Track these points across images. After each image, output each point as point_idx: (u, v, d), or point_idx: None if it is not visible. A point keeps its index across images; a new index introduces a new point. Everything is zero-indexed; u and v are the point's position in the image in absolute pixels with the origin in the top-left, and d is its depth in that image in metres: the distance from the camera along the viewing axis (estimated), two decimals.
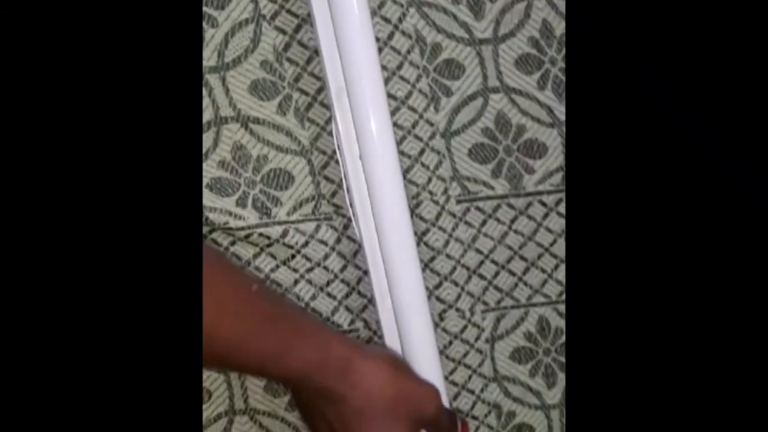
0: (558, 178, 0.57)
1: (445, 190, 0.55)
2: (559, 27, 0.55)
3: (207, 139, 0.51)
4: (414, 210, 0.54)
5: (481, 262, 0.56)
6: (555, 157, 0.56)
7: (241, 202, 0.52)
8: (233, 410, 0.54)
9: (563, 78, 0.56)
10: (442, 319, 0.56)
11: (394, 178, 0.52)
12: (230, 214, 0.52)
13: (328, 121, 0.53)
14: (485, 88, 0.55)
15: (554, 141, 0.56)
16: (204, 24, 0.50)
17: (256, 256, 0.53)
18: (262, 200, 0.53)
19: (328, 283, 0.54)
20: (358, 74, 0.50)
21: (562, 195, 0.57)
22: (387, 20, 0.53)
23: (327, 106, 0.52)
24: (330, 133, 0.53)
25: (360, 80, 0.50)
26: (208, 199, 0.51)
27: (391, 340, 0.54)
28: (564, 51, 0.55)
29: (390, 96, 0.53)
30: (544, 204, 0.57)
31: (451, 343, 0.57)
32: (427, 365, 0.52)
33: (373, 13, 0.52)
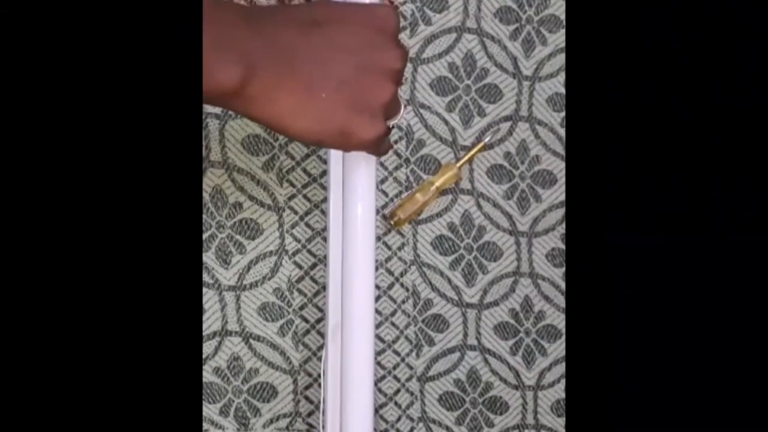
0: None
1: (411, 430, 0.60)
2: (539, 304, 0.62)
3: (209, 346, 0.56)
4: None
5: None
6: (514, 416, 0.62)
7: (225, 410, 0.56)
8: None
9: (534, 348, 0.62)
10: None
11: (366, 412, 0.56)
12: (212, 422, 0.56)
13: (320, 347, 0.58)
14: (464, 345, 0.61)
15: (516, 402, 0.62)
16: (233, 249, 0.56)
17: None
18: (244, 409, 0.57)
19: None
20: (353, 315, 0.56)
21: None
22: (390, 272, 0.59)
23: (322, 335, 0.58)
24: (319, 359, 0.58)
25: (353, 320, 0.56)
26: None
27: None
28: (538, 325, 0.62)
29: (379, 338, 0.59)
30: None
31: None
32: None
33: (380, 265, 0.59)
